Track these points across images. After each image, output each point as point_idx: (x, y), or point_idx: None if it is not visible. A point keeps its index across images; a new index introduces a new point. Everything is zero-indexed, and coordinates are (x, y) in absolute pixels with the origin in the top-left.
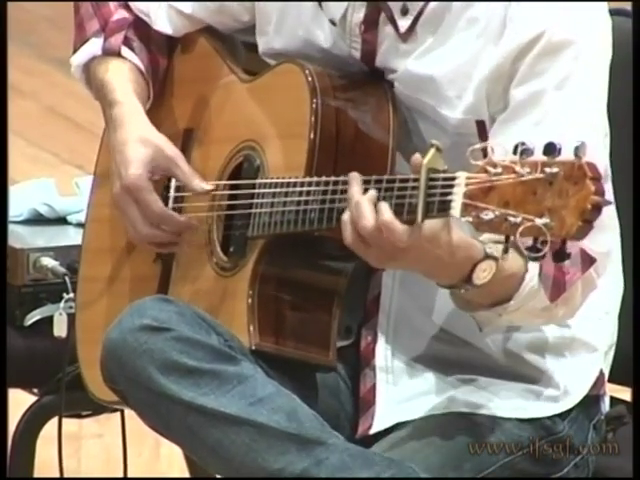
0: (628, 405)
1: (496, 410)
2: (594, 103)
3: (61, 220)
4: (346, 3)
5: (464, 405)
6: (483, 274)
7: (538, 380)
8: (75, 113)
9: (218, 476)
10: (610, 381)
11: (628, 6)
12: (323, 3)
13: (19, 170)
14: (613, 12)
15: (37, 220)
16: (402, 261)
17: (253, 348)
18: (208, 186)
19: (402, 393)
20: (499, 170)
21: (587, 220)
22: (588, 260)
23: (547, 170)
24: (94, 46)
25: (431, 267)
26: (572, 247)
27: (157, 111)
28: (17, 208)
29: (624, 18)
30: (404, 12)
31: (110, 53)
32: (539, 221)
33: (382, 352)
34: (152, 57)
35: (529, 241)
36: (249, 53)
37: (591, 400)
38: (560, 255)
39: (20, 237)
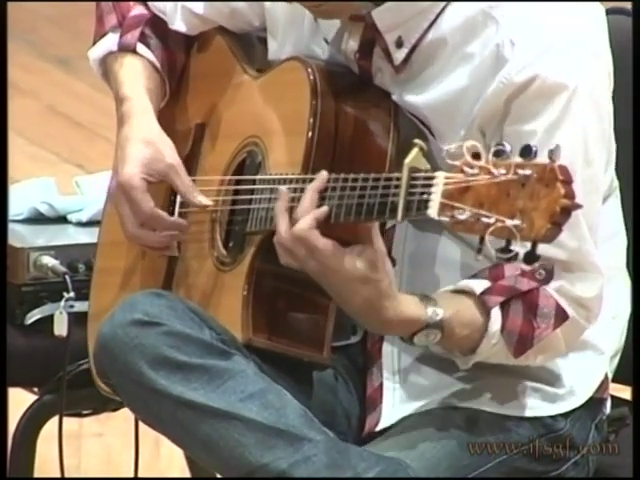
0: (629, 405)
1: (499, 407)
2: (588, 142)
3: (61, 219)
4: (338, 24)
5: (466, 401)
6: (426, 339)
7: (543, 379)
8: (75, 112)
9: (218, 475)
10: (611, 381)
11: (628, 5)
12: (318, 19)
13: (19, 169)
14: (612, 11)
15: (37, 219)
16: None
17: (245, 343)
18: (208, 201)
19: (409, 391)
20: (475, 171)
21: (556, 223)
22: (561, 316)
23: (520, 172)
24: (110, 41)
25: (361, 308)
26: (548, 302)
27: (173, 106)
28: (17, 207)
29: (624, 17)
30: (399, 44)
31: (126, 49)
32: (510, 222)
33: (389, 352)
34: (169, 54)
35: (502, 242)
36: (265, 47)
37: (594, 402)
38: (530, 257)
39: (20, 236)
